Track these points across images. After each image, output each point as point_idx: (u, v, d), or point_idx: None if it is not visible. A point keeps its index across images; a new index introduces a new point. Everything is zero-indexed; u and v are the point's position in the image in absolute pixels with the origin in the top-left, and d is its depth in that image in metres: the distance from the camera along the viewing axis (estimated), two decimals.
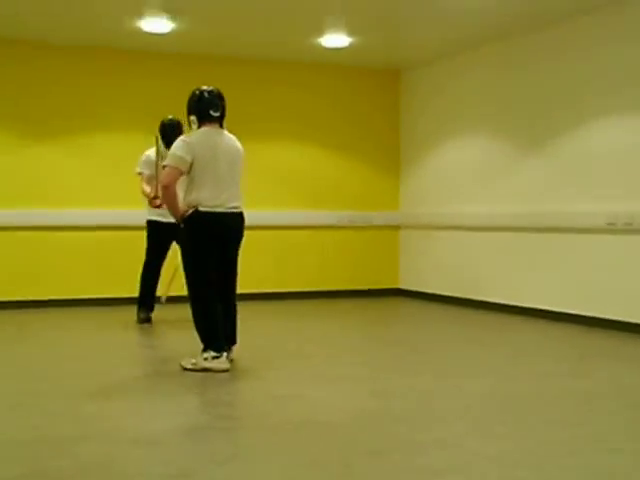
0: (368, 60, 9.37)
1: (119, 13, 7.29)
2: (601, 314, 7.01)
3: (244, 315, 7.82)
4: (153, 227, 7.21)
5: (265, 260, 9.27)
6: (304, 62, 9.38)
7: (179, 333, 6.70)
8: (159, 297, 7.35)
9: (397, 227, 10.01)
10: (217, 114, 5.18)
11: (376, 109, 9.90)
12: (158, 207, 6.85)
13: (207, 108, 5.13)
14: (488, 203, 8.43)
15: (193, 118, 5.17)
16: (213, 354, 5.07)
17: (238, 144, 5.32)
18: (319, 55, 8.98)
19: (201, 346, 5.17)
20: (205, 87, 5.25)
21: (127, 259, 8.46)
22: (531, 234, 7.81)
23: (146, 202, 7.14)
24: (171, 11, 7.19)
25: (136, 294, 7.39)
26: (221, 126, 5.25)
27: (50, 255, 8.45)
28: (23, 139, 8.37)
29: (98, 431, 3.73)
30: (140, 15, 7.34)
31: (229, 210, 5.17)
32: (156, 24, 7.59)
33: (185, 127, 6.33)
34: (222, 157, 5.13)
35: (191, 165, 5.04)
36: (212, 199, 5.07)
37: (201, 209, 5.06)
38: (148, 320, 7.22)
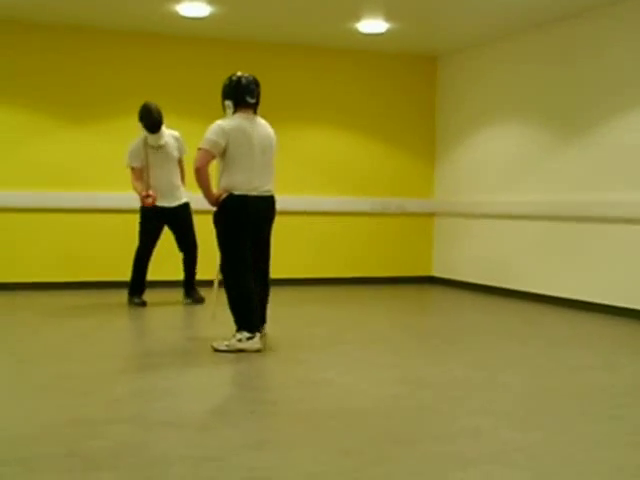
0: (405, 46, 9.32)
1: None
2: (637, 306, 6.93)
3: (277, 301, 7.86)
4: (146, 212, 7.24)
5: (298, 246, 9.29)
6: (341, 48, 9.35)
7: (206, 315, 6.74)
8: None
9: (431, 215, 9.96)
10: (253, 100, 5.28)
11: (412, 96, 9.84)
12: (150, 206, 6.92)
13: (244, 94, 5.22)
14: (523, 192, 8.36)
15: (229, 103, 5.27)
16: (247, 335, 5.17)
17: (271, 130, 5.41)
18: (356, 41, 8.94)
19: (234, 327, 5.24)
20: (242, 73, 5.31)
21: (162, 242, 8.56)
22: (566, 223, 7.73)
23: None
24: None
25: (167, 277, 7.64)
26: (255, 112, 5.34)
27: (82, 237, 8.55)
28: (58, 123, 8.46)
29: (130, 413, 3.78)
30: None
31: (261, 194, 5.27)
32: (194, 8, 7.60)
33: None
34: (256, 143, 5.23)
35: (225, 150, 5.13)
36: (246, 183, 5.18)
37: (236, 193, 5.17)
38: (144, 304, 7.30)
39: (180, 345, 5.56)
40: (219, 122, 5.21)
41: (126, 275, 8.64)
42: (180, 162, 7.34)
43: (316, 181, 9.35)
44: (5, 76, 8.28)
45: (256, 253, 5.36)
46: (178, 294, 7.72)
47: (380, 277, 9.68)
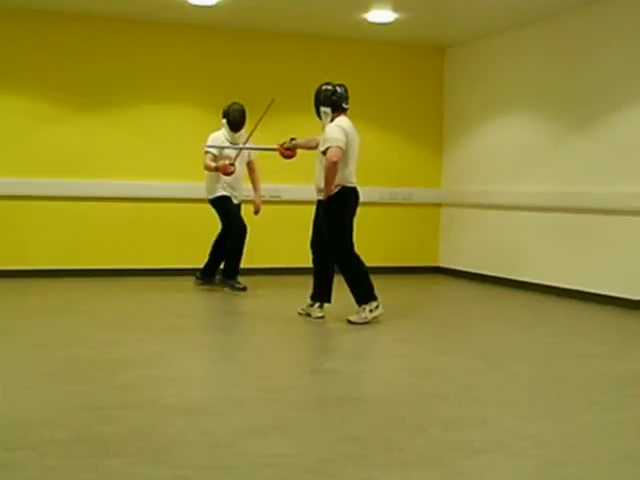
0: (413, 36, 9.29)
1: None
2: None
3: (284, 289, 7.89)
4: (225, 200, 7.51)
5: (305, 236, 9.27)
6: (349, 37, 9.31)
7: (211, 301, 6.76)
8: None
9: (438, 205, 9.95)
10: (348, 106, 6.05)
11: (420, 86, 9.82)
12: (230, 174, 7.23)
13: (341, 101, 5.99)
14: (531, 183, 8.35)
15: (327, 110, 5.99)
16: (374, 304, 5.94)
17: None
18: (364, 31, 8.92)
19: (355, 305, 5.96)
20: (335, 83, 6.02)
21: (170, 231, 8.61)
22: (573, 215, 7.72)
23: (212, 178, 7.45)
24: None
25: (172, 265, 8.15)
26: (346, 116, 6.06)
27: (95, 225, 8.55)
28: (67, 111, 8.46)
29: (140, 399, 3.80)
30: None
31: (357, 185, 6.10)
32: None
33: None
34: (354, 141, 6.04)
35: None
36: (352, 176, 6.02)
37: (347, 185, 5.96)
38: (244, 288, 7.55)
39: (188, 332, 5.57)
40: (338, 124, 5.87)
41: (134, 262, 8.70)
42: (250, 163, 7.69)
43: None
44: (14, 63, 8.28)
45: None
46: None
47: (387, 267, 9.66)
